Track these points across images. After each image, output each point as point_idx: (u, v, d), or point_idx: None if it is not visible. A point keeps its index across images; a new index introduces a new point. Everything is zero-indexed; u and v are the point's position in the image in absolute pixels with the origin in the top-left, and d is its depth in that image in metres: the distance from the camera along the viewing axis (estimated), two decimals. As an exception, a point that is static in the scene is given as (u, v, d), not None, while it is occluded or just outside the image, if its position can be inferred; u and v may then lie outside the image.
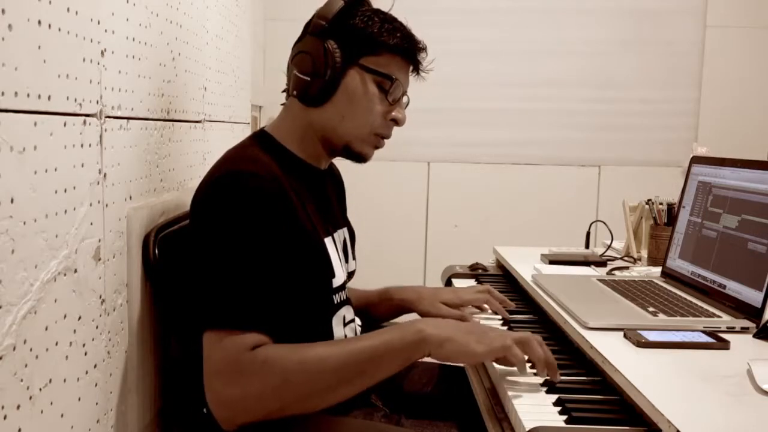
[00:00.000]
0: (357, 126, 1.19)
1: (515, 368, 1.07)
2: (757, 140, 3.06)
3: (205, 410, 1.01)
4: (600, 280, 1.52)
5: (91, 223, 1.02)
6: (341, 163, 1.33)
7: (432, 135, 3.25)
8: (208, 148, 1.75)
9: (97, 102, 1.04)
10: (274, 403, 0.99)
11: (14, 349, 0.81)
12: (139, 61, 1.22)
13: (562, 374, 1.06)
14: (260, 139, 1.21)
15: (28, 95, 0.83)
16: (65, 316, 0.94)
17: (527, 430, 0.90)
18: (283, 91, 1.27)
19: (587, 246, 1.97)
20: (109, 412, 1.11)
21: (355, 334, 1.27)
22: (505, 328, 1.36)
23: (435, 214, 3.32)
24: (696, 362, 1.03)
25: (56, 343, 0.92)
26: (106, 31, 1.07)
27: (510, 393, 1.02)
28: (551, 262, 1.77)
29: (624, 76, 3.26)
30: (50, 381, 0.90)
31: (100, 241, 1.06)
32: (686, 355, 1.06)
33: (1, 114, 0.78)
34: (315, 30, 1.16)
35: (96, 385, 1.06)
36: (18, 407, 0.82)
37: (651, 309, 1.26)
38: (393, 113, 1.21)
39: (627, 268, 1.74)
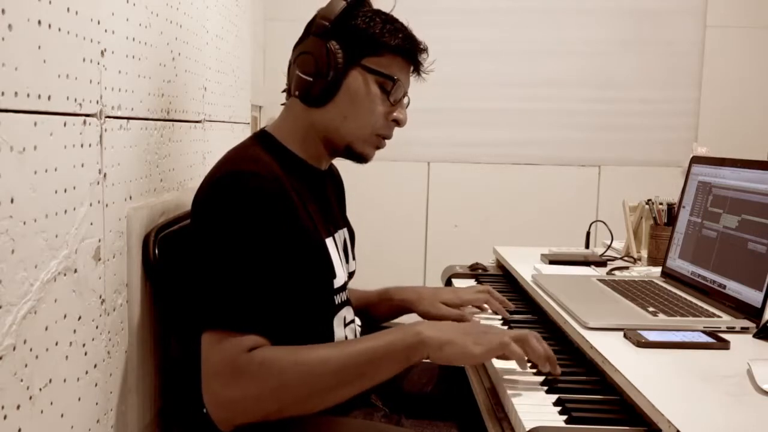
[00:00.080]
0: (359, 126, 1.19)
1: (515, 364, 1.07)
2: (757, 140, 3.06)
3: (204, 410, 1.01)
4: (600, 280, 1.52)
5: (91, 223, 1.02)
6: (341, 163, 1.33)
7: (432, 135, 3.25)
8: (208, 148, 1.75)
9: (97, 102, 1.04)
10: (272, 404, 0.99)
11: (14, 349, 0.81)
12: (139, 61, 1.22)
13: (561, 374, 1.06)
14: (261, 139, 1.21)
15: (28, 95, 0.83)
16: (65, 316, 0.94)
17: (527, 430, 0.90)
18: (283, 91, 1.27)
19: (587, 246, 1.97)
20: (109, 412, 1.11)
21: (355, 334, 1.27)
22: (505, 328, 1.36)
23: (435, 214, 3.32)
24: (696, 362, 1.03)
25: (56, 343, 0.92)
26: (106, 31, 1.07)
27: (510, 393, 1.02)
28: (551, 262, 1.77)
29: (624, 76, 3.26)
30: (50, 381, 0.90)
31: (100, 241, 1.06)
32: (686, 355, 1.06)
33: (1, 114, 0.78)
34: (318, 30, 1.16)
35: (96, 385, 1.06)
36: (18, 407, 0.82)
37: (651, 309, 1.26)
38: (394, 114, 1.21)
39: (627, 268, 1.74)
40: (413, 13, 1.29)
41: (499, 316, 1.43)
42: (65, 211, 0.94)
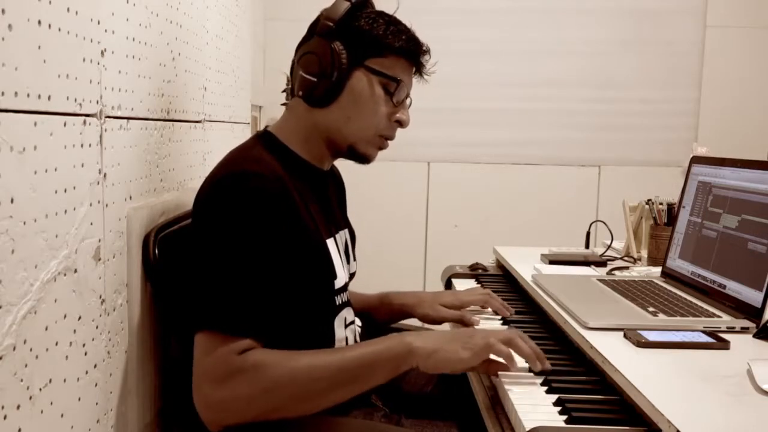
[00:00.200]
0: (362, 127, 1.20)
1: (513, 371, 1.08)
2: (757, 140, 3.06)
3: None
4: (600, 280, 1.52)
5: (91, 223, 1.02)
6: (341, 164, 1.33)
7: (432, 135, 3.25)
8: (208, 148, 1.75)
9: (97, 102, 1.04)
10: (261, 407, 1.00)
11: (14, 349, 0.81)
12: (139, 61, 1.22)
13: (561, 374, 1.07)
14: (264, 139, 1.21)
15: (28, 95, 0.83)
16: (65, 316, 0.94)
17: (527, 430, 0.90)
18: (283, 91, 1.27)
19: (587, 246, 1.97)
20: (109, 412, 1.11)
21: (356, 335, 1.27)
22: (505, 327, 1.36)
23: (435, 214, 3.32)
24: (696, 362, 1.03)
25: (56, 343, 0.92)
26: (106, 31, 1.07)
27: (510, 393, 1.02)
28: (551, 262, 1.77)
29: (624, 76, 3.26)
30: (50, 381, 0.91)
31: (100, 241, 1.06)
32: (686, 355, 1.06)
33: (1, 114, 0.78)
34: (322, 31, 1.16)
35: (96, 385, 1.06)
36: (18, 407, 0.82)
37: (651, 309, 1.26)
38: (397, 115, 1.22)
39: (627, 268, 1.74)
40: (413, 13, 1.29)
41: (499, 316, 1.43)
42: (65, 211, 0.94)
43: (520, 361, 1.08)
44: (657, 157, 3.26)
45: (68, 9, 0.93)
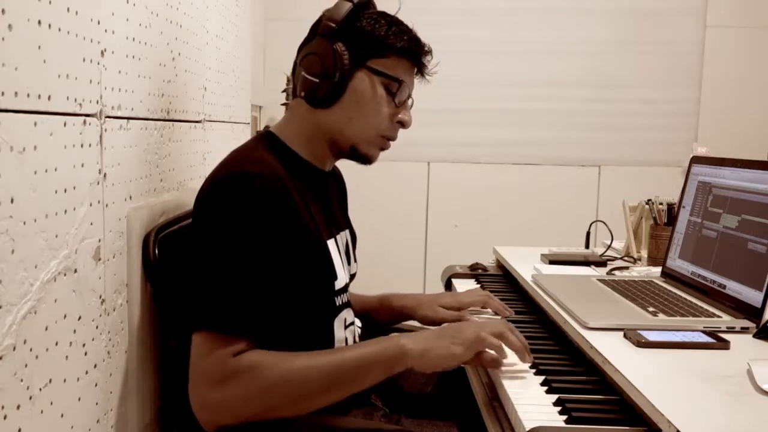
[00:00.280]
0: (364, 128, 1.20)
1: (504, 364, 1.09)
2: (757, 140, 3.06)
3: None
4: (600, 280, 1.52)
5: (91, 223, 1.02)
6: (341, 164, 1.33)
7: (432, 135, 3.25)
8: (208, 148, 1.75)
9: (97, 102, 1.04)
10: (256, 407, 1.00)
11: (14, 349, 0.81)
12: (139, 61, 1.22)
13: (561, 374, 1.07)
14: (265, 139, 1.21)
15: (28, 95, 0.83)
16: (65, 316, 0.94)
17: (527, 430, 0.90)
18: (283, 91, 1.27)
19: (587, 246, 1.97)
20: (109, 412, 1.11)
21: (355, 336, 1.27)
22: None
23: (435, 214, 3.32)
24: (696, 362, 1.03)
25: (56, 343, 0.92)
26: (106, 31, 1.07)
27: (510, 392, 1.02)
28: (551, 262, 1.77)
29: (624, 76, 3.26)
30: (50, 381, 0.91)
31: (100, 241, 1.06)
32: (686, 355, 1.06)
33: (1, 114, 0.78)
34: (324, 32, 1.17)
35: (96, 385, 1.06)
36: (18, 407, 0.82)
37: (651, 309, 1.26)
38: (399, 115, 1.22)
39: (627, 268, 1.74)
40: (413, 13, 1.29)
41: (499, 317, 1.43)
42: (65, 211, 0.94)
43: (511, 354, 1.11)
44: (657, 157, 3.27)
45: (68, 9, 0.93)
